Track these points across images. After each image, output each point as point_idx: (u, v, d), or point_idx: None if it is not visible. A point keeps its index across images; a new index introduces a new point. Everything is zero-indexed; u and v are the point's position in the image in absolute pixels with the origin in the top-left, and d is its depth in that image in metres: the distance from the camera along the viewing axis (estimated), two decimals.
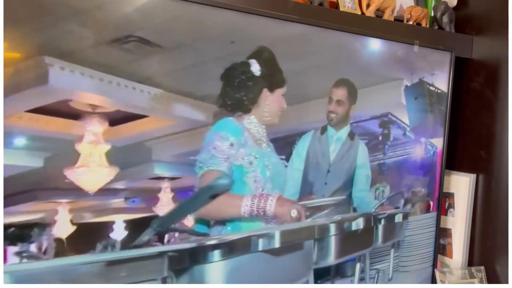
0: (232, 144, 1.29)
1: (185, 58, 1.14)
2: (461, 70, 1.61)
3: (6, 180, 0.91)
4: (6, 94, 0.90)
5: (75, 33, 0.97)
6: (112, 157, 1.05)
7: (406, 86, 1.62)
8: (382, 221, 1.61)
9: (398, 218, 1.65)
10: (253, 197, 1.29)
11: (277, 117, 1.39)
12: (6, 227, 0.92)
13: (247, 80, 1.32)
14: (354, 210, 1.62)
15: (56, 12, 0.94)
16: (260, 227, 1.30)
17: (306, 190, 1.54)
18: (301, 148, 1.57)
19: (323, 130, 1.61)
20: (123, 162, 1.07)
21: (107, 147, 1.04)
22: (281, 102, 1.38)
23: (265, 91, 1.35)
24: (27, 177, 0.94)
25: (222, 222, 1.31)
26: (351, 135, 1.64)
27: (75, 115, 0.99)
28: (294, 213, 1.31)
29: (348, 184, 1.65)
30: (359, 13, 1.41)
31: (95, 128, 1.03)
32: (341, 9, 1.36)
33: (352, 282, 1.54)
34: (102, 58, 1.01)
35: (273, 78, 1.36)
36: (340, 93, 1.57)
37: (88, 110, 1.01)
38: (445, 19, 1.59)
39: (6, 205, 0.90)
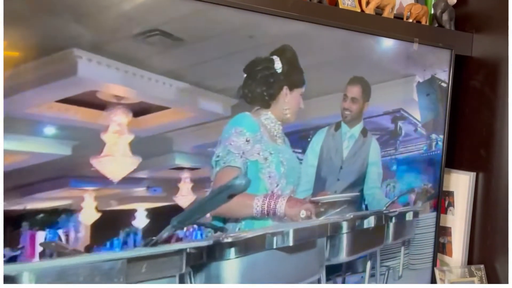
0: (248, 140, 1.32)
1: (206, 51, 1.19)
2: (461, 68, 1.59)
3: (37, 166, 0.96)
4: (37, 84, 0.95)
5: (102, 26, 1.03)
6: (135, 147, 1.09)
7: (418, 82, 1.65)
8: (393, 219, 1.63)
9: (409, 216, 1.68)
10: (264, 198, 1.31)
11: (294, 116, 1.43)
12: (36, 212, 0.97)
13: (269, 76, 1.35)
14: (366, 207, 1.65)
15: (84, 7, 1.01)
16: (272, 224, 1.33)
17: (319, 186, 1.56)
18: (315, 144, 1.59)
19: (337, 126, 1.63)
20: (145, 152, 1.11)
21: (131, 137, 1.08)
22: (299, 101, 1.40)
23: (285, 89, 1.39)
24: (57, 164, 0.98)
25: (236, 218, 1.34)
26: (364, 132, 1.66)
27: (101, 105, 1.03)
28: (303, 213, 1.33)
29: (360, 181, 1.67)
30: (359, 10, 1.39)
31: (120, 118, 1.07)
32: (340, 7, 1.35)
33: (362, 278, 1.59)
34: (127, 51, 1.06)
35: (294, 77, 1.38)
36: (355, 91, 1.59)
37: (114, 101, 1.05)
38: (445, 16, 1.60)
39: (37, 191, 0.96)
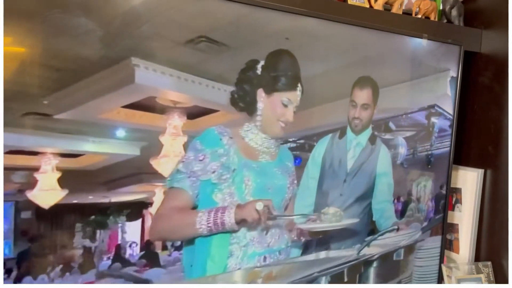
0: (202, 157, 1.24)
1: (248, 56, 1.29)
2: (470, 64, 1.58)
3: (114, 165, 1.14)
4: (104, 92, 1.11)
5: (156, 34, 1.14)
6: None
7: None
8: (374, 263, 1.56)
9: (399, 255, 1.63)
10: (209, 211, 1.23)
11: (275, 127, 1.33)
12: (122, 207, 1.16)
13: (248, 78, 1.28)
14: (374, 223, 1.59)
15: (138, 17, 1.13)
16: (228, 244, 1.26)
17: (322, 201, 1.49)
18: (317, 154, 1.48)
19: (342, 133, 1.53)
20: None
21: (185, 139, 1.22)
22: (278, 109, 1.31)
23: (260, 92, 1.31)
24: (132, 163, 1.15)
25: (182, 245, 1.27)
26: (372, 139, 1.56)
27: (160, 110, 1.18)
28: (260, 205, 1.23)
29: (367, 195, 1.57)
30: (367, 6, 1.39)
31: (175, 121, 1.20)
32: (349, 3, 1.35)
33: None
34: (179, 58, 1.18)
35: (274, 79, 1.30)
36: (365, 96, 1.50)
37: (171, 105, 1.19)
38: (454, 12, 1.62)
39: (118, 186, 1.14)
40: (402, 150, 1.64)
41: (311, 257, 1.45)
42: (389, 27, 1.50)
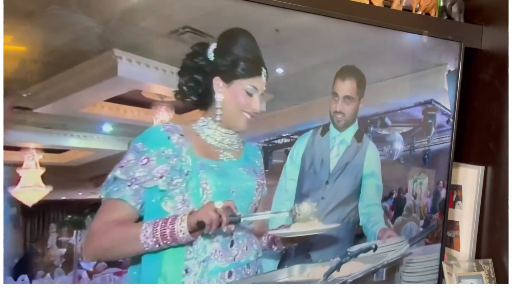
0: (147, 160, 1.07)
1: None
2: (470, 60, 1.57)
3: (101, 161, 1.10)
4: (85, 85, 1.07)
5: (138, 25, 1.11)
6: None
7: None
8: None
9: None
10: (155, 223, 1.05)
11: (239, 119, 1.18)
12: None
13: (198, 66, 1.13)
14: (360, 228, 1.46)
15: (122, 7, 1.09)
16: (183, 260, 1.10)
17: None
18: (296, 153, 1.33)
19: (325, 130, 1.37)
20: None
21: None
22: (241, 98, 1.16)
23: (217, 81, 1.16)
24: (118, 159, 1.09)
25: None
26: (358, 136, 1.41)
27: (147, 104, 1.14)
28: (219, 204, 1.06)
29: (353, 198, 1.41)
30: (367, 2, 1.38)
31: (163, 116, 1.15)
32: None
33: None
34: (163, 50, 1.14)
35: (232, 64, 1.15)
36: (348, 87, 1.35)
37: (158, 99, 1.15)
38: (454, 9, 1.61)
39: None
40: (399, 146, 1.55)
41: (282, 272, 1.30)
42: (389, 24, 1.49)
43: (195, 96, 1.15)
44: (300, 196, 1.32)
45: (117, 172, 1.06)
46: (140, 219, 1.09)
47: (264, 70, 1.20)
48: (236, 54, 1.15)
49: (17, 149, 1.00)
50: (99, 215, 1.06)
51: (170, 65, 1.14)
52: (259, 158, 1.28)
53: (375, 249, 1.35)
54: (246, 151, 1.24)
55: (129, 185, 1.05)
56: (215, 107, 1.15)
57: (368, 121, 1.47)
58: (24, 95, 0.99)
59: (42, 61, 1.00)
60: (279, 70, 1.30)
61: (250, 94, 1.17)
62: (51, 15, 0.99)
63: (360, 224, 1.44)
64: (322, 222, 1.21)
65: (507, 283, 1.60)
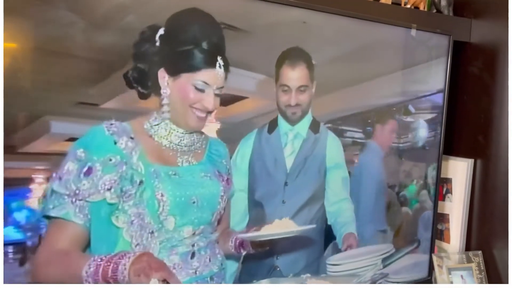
0: (90, 169, 0.92)
1: (267, 41, 1.23)
2: (459, 54, 1.57)
3: None
4: None
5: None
6: (221, 134, 1.18)
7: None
8: None
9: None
10: (97, 266, 0.88)
11: (188, 119, 1.03)
12: None
13: (145, 54, 0.98)
14: (330, 228, 1.32)
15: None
16: None
17: (257, 215, 1.20)
18: (240, 159, 1.18)
19: (272, 126, 1.23)
20: (228, 138, 1.19)
21: (218, 125, 1.16)
22: (190, 94, 1.01)
23: (162, 74, 1.01)
24: None
25: None
26: (314, 126, 1.26)
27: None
28: (154, 281, 0.86)
29: (318, 196, 1.27)
30: None
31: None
32: None
33: None
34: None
35: (180, 54, 0.99)
36: (300, 75, 1.19)
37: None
38: (443, 2, 1.63)
39: None
40: (424, 133, 1.46)
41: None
42: (377, 17, 1.47)
43: (142, 87, 1.01)
44: (254, 207, 1.19)
45: (54, 185, 0.91)
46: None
47: (220, 61, 1.03)
48: (184, 42, 0.99)
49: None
50: (45, 241, 0.93)
51: None
52: (225, 157, 1.17)
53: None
54: (209, 150, 1.13)
55: (72, 201, 0.91)
56: (162, 103, 1.01)
57: (394, 109, 1.42)
58: (91, 92, 0.97)
59: (106, 60, 0.99)
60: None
61: (201, 90, 1.02)
62: (113, 19, 0.99)
63: (328, 223, 1.31)
64: (295, 222, 1.14)
65: (498, 275, 1.62)
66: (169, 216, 0.99)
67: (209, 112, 1.06)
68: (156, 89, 1.02)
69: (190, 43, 1.00)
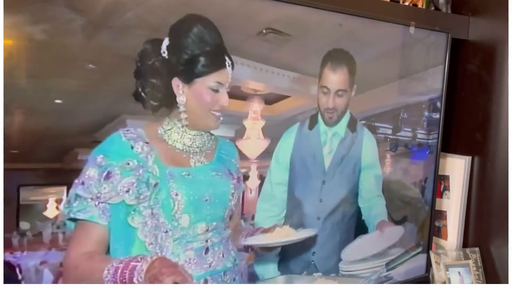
0: (110, 174, 0.96)
1: (309, 44, 1.30)
2: (458, 51, 1.56)
3: None
4: None
5: (235, 30, 1.18)
6: (266, 131, 1.25)
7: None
8: None
9: None
10: (116, 268, 0.93)
11: (208, 120, 1.08)
12: None
13: (153, 67, 1.01)
14: (360, 225, 1.36)
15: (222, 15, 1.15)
16: None
17: (295, 211, 1.25)
18: (282, 153, 1.23)
19: (313, 122, 1.27)
20: (273, 135, 1.26)
21: (263, 122, 1.24)
22: (207, 97, 1.05)
23: (176, 82, 1.04)
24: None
25: None
26: (352, 125, 1.30)
27: (244, 97, 1.22)
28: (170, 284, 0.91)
29: (352, 194, 1.31)
30: None
31: (255, 106, 1.23)
32: None
33: None
34: (253, 50, 1.22)
35: (191, 61, 1.02)
36: (340, 78, 1.24)
37: (252, 93, 1.24)
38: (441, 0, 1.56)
39: None
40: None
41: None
42: (376, 15, 1.48)
43: (155, 101, 1.04)
44: (293, 201, 1.23)
45: (78, 190, 0.96)
46: None
47: (228, 60, 1.08)
48: (192, 49, 1.02)
49: None
50: (72, 244, 0.97)
51: (259, 63, 1.22)
52: (234, 156, 1.20)
53: None
54: (219, 150, 1.16)
55: (95, 204, 0.96)
56: (179, 110, 1.05)
57: (423, 106, 1.47)
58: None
59: None
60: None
61: (216, 91, 1.06)
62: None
63: (363, 218, 1.36)
64: (294, 229, 1.17)
65: (495, 271, 1.62)
66: (184, 214, 1.04)
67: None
68: (167, 100, 1.05)
69: (197, 48, 1.03)
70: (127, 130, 1.01)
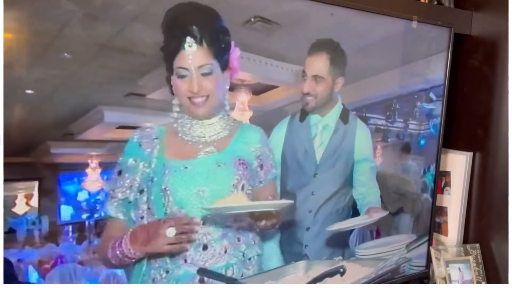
0: (119, 171, 1.03)
1: (298, 32, 1.26)
2: (460, 46, 1.57)
3: None
4: None
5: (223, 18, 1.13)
6: (254, 122, 1.21)
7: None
8: None
9: None
10: (111, 246, 1.01)
11: (191, 108, 1.06)
12: None
13: (159, 61, 1.06)
14: (357, 212, 1.35)
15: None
16: None
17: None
18: (274, 144, 1.20)
19: (304, 114, 1.24)
20: (261, 125, 1.22)
21: (251, 113, 1.21)
22: (177, 85, 1.04)
23: (166, 72, 1.08)
24: None
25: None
26: (344, 116, 1.27)
27: (231, 87, 1.17)
28: (172, 232, 0.97)
29: (345, 186, 1.29)
30: None
31: (242, 97, 1.20)
32: None
33: None
34: (241, 38, 1.17)
35: (163, 53, 1.02)
36: (318, 65, 1.20)
37: (238, 83, 1.20)
38: None
39: None
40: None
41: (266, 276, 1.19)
42: (378, 9, 1.46)
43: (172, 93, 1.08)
44: (285, 194, 1.20)
45: (104, 185, 1.04)
46: None
47: (188, 40, 1.01)
48: (165, 36, 1.01)
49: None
50: (103, 236, 1.04)
51: (246, 52, 1.17)
52: (255, 143, 1.16)
53: (342, 274, 1.17)
54: (238, 137, 1.14)
55: (114, 201, 1.03)
56: (173, 102, 1.08)
57: (416, 96, 1.45)
58: (140, 83, 1.04)
59: (147, 54, 1.04)
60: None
61: (183, 76, 1.03)
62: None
63: (358, 207, 1.34)
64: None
65: (495, 268, 1.63)
66: (175, 207, 1.04)
67: (206, 96, 1.05)
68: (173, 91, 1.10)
69: (168, 38, 1.01)
70: (141, 129, 1.06)
